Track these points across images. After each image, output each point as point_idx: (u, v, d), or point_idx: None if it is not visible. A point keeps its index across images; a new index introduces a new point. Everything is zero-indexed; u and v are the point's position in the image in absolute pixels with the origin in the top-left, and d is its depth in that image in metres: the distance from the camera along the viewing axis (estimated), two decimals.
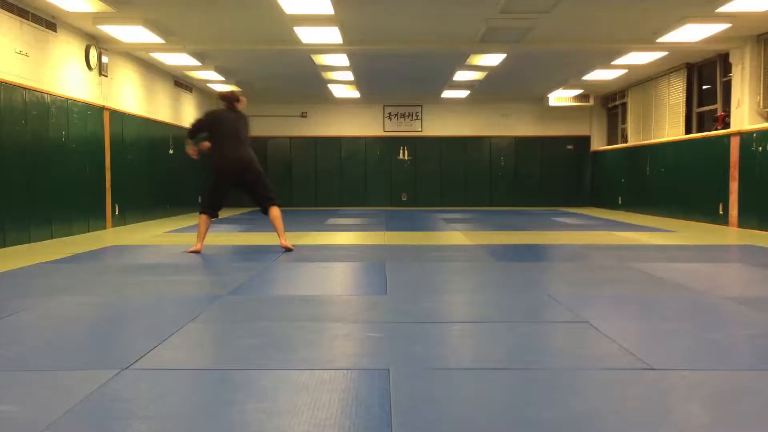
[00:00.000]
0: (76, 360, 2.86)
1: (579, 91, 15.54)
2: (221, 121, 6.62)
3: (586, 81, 13.76)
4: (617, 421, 2.15)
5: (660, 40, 9.53)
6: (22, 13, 7.76)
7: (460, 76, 13.04)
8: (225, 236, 8.86)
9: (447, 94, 15.58)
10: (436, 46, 10.21)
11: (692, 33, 9.11)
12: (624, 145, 14.94)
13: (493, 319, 3.68)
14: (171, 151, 12.85)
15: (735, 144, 10.11)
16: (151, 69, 11.91)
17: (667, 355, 2.91)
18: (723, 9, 8.03)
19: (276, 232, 6.72)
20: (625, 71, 12.58)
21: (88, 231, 9.38)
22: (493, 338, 3.29)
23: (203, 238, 6.64)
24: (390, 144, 17.28)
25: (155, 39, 9.21)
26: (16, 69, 7.65)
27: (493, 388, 2.49)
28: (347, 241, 8.26)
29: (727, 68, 10.80)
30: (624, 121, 15.32)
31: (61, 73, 8.70)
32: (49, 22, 8.33)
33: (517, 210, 15.65)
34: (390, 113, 17.26)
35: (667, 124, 12.77)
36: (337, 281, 5.10)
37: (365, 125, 17.26)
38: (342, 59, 11.34)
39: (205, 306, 3.98)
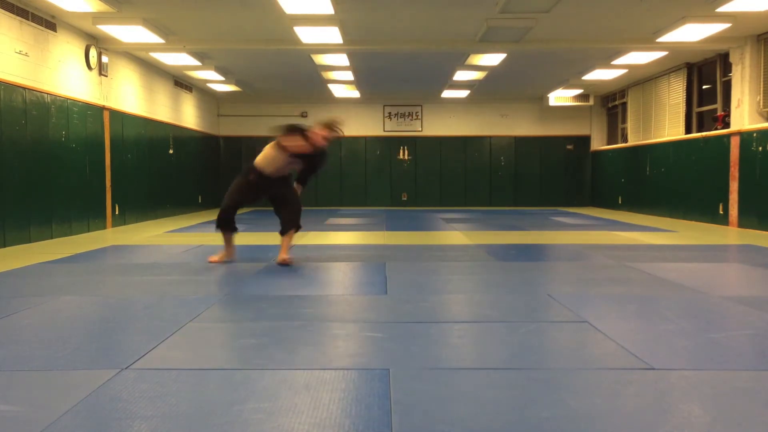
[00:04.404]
0: (76, 360, 2.86)
1: (579, 91, 15.54)
2: None
3: (586, 81, 13.76)
4: (617, 421, 2.15)
5: (660, 40, 9.53)
6: (22, 12, 7.76)
7: (460, 76, 13.04)
8: None
9: (447, 93, 15.58)
10: (436, 46, 10.21)
11: (692, 33, 9.11)
12: (624, 145, 14.94)
13: (493, 319, 3.68)
14: (171, 151, 12.85)
15: (735, 144, 10.11)
16: (151, 69, 11.91)
17: (667, 355, 2.92)
18: (723, 9, 8.03)
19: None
20: (625, 71, 12.58)
21: (88, 231, 9.38)
22: (493, 338, 3.29)
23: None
24: (390, 144, 17.28)
25: (155, 39, 9.20)
26: (16, 69, 7.65)
27: (492, 388, 2.49)
28: (347, 241, 8.26)
29: (727, 68, 10.80)
30: (624, 120, 15.32)
31: (61, 73, 8.70)
32: (48, 21, 8.33)
33: (517, 210, 15.65)
34: (390, 113, 17.26)
35: (667, 124, 12.77)
36: (337, 281, 5.10)
37: (365, 125, 17.25)
38: (342, 59, 11.34)
39: (205, 306, 3.99)
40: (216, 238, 8.41)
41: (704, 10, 8.22)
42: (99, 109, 9.80)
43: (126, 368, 2.70)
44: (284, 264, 5.76)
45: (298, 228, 5.95)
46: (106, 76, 10.02)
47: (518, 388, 2.49)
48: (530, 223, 11.21)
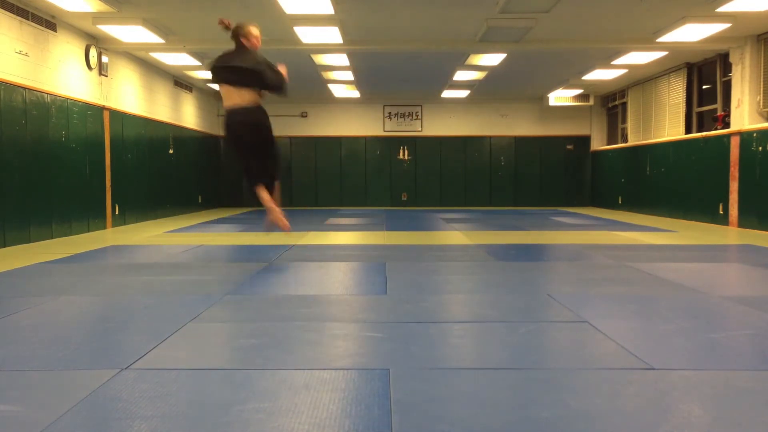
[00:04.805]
0: (76, 360, 2.86)
1: (579, 91, 15.55)
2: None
3: (586, 81, 13.76)
4: (617, 421, 2.15)
5: (660, 40, 9.54)
6: (22, 12, 7.76)
7: (460, 76, 13.04)
8: (225, 236, 8.85)
9: (447, 93, 15.58)
10: (436, 46, 10.21)
11: (692, 33, 9.11)
12: (624, 145, 14.94)
13: (493, 319, 3.68)
14: (171, 151, 12.85)
15: (735, 144, 10.11)
16: (151, 69, 11.91)
17: (667, 355, 2.91)
18: (723, 9, 8.03)
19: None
20: (625, 71, 12.58)
21: (88, 231, 9.39)
22: (493, 338, 3.29)
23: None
24: (390, 144, 17.29)
25: (155, 39, 9.21)
26: (16, 69, 7.65)
27: (492, 388, 2.49)
28: (347, 241, 8.26)
29: (727, 68, 10.80)
30: (624, 120, 15.32)
31: (61, 73, 8.70)
32: (49, 21, 8.33)
33: (517, 210, 15.65)
34: (390, 113, 17.27)
35: (667, 124, 12.77)
36: (337, 281, 5.10)
37: (365, 125, 17.26)
38: (342, 59, 11.34)
39: (205, 306, 3.98)
40: (215, 239, 8.42)
41: (704, 10, 8.22)
42: (99, 109, 9.80)
43: (126, 368, 2.70)
44: (273, 226, 5.50)
45: (276, 180, 5.53)
46: (106, 76, 10.02)
47: (518, 388, 2.49)
48: (530, 223, 11.21)
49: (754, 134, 9.67)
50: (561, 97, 16.03)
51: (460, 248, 7.30)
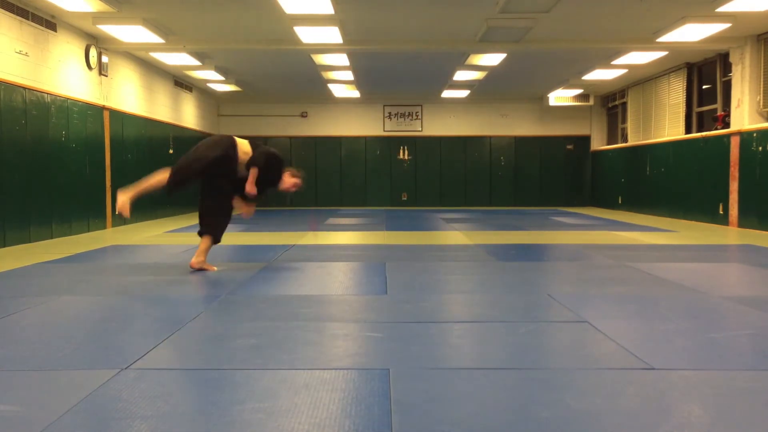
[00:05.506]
0: (76, 360, 2.86)
1: (579, 91, 15.54)
2: None
3: (586, 81, 13.76)
4: (617, 421, 2.15)
5: (660, 39, 9.54)
6: (22, 12, 7.76)
7: (460, 75, 13.04)
8: (225, 236, 8.83)
9: (447, 93, 15.58)
10: (436, 46, 10.21)
11: (692, 33, 9.11)
12: (624, 144, 14.94)
13: (493, 319, 3.68)
14: (171, 151, 12.85)
15: (735, 144, 10.11)
16: (151, 69, 11.91)
17: (667, 355, 2.91)
18: (723, 9, 8.03)
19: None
20: (625, 71, 12.58)
21: (88, 231, 9.38)
22: (493, 338, 3.29)
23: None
24: (390, 144, 17.28)
25: (155, 39, 9.20)
26: (16, 69, 7.65)
27: (492, 388, 2.49)
28: (347, 241, 8.26)
29: (727, 68, 10.80)
30: (624, 120, 15.32)
31: (61, 73, 8.70)
32: (49, 21, 8.33)
33: (517, 210, 15.65)
34: (390, 113, 17.26)
35: (667, 124, 12.77)
36: (337, 281, 5.10)
37: (365, 125, 17.26)
38: (342, 59, 11.34)
39: (205, 306, 3.98)
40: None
41: (704, 10, 8.22)
42: (99, 109, 9.80)
43: (126, 368, 2.70)
44: (194, 269, 5.43)
45: (211, 237, 5.57)
46: (106, 76, 10.02)
47: (518, 388, 2.49)
48: (530, 223, 11.21)
49: (754, 134, 9.67)
50: (561, 97, 16.02)
51: (460, 248, 7.30)
